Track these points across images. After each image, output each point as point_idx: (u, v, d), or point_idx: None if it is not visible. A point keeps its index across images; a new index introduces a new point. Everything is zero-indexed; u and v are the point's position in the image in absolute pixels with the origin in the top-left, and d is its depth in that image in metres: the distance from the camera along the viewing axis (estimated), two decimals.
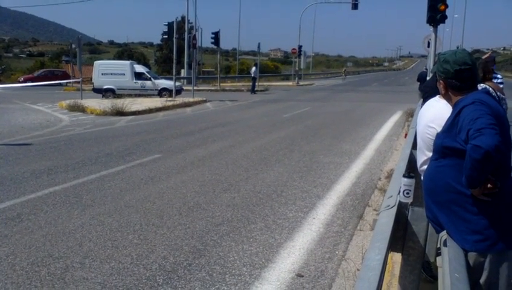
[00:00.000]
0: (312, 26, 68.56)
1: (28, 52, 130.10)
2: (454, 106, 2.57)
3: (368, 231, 5.27)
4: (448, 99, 2.67)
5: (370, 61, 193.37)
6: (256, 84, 33.75)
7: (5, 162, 8.77)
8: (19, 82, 38.81)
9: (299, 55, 48.57)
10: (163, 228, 5.34)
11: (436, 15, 15.05)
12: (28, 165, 8.50)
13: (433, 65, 7.97)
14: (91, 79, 27.03)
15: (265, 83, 41.82)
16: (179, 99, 23.11)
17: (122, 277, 4.10)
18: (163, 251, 4.66)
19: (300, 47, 48.45)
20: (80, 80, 23.87)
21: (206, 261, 4.46)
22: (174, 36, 26.16)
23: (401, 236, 3.27)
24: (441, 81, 2.65)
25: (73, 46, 28.55)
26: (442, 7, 14.55)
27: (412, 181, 3.27)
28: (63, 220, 5.57)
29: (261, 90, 34.11)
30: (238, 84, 41.89)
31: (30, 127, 14.13)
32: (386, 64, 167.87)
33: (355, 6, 44.29)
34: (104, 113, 17.52)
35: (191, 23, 42.17)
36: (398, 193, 3.53)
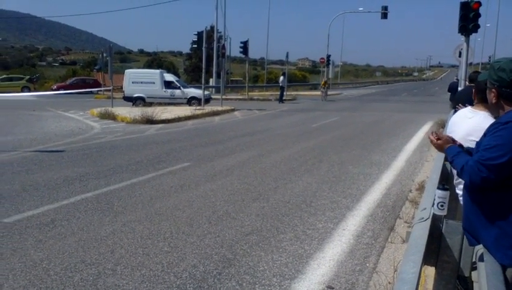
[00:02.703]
0: (340, 35, 68.39)
1: (60, 61, 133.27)
2: (502, 116, 2.49)
3: (399, 244, 5.20)
4: (499, 109, 2.57)
5: (399, 71, 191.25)
6: (285, 93, 33.78)
7: (39, 168, 8.97)
8: (52, 90, 39.70)
9: (328, 64, 48.45)
10: (193, 236, 5.37)
11: (468, 24, 14.86)
12: (61, 172, 8.67)
13: (467, 75, 7.83)
14: (121, 87, 27.48)
15: (293, 93, 41.84)
16: (208, 108, 23.31)
17: (153, 284, 4.14)
18: (194, 260, 4.69)
19: (328, 56, 48.37)
20: (110, 88, 24.29)
21: (236, 271, 4.46)
22: (204, 45, 26.43)
23: (434, 249, 3.21)
24: (493, 90, 2.54)
25: (104, 54, 29.03)
26: (476, 5, 14.35)
27: (447, 193, 3.21)
28: (94, 226, 5.65)
29: (289, 100, 34.14)
30: (266, 93, 42.03)
31: (63, 134, 14.43)
32: (415, 74, 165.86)
33: (384, 15, 44.05)
34: (134, 121, 17.78)
35: (220, 32, 42.48)
36: (432, 205, 3.47)
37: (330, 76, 51.24)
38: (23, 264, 4.49)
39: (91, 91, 36.45)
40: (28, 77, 46.13)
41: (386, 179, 8.59)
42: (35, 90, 41.41)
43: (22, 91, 40.33)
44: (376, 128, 17.04)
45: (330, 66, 49.76)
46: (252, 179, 8.33)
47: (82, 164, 9.51)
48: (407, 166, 9.84)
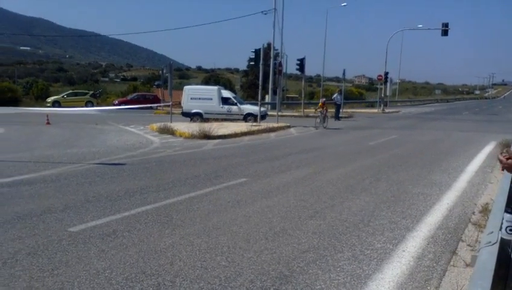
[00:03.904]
0: (399, 52, 67.41)
1: (122, 77, 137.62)
2: None
3: (461, 268, 5.01)
4: None
5: (460, 89, 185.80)
6: (341, 110, 33.54)
7: (101, 180, 9.29)
8: (114, 105, 41.16)
9: (385, 81, 47.74)
10: (250, 251, 5.39)
11: None
12: (122, 184, 8.94)
13: None
14: (180, 103, 28.13)
15: (349, 110, 41.46)
16: (264, 125, 23.44)
17: None
18: (251, 275, 4.70)
19: (386, 73, 47.66)
20: (170, 103, 24.90)
21: (292, 288, 4.43)
22: (261, 62, 26.72)
23: (502, 275, 3.09)
24: None
25: (164, 71, 29.93)
26: None
27: None
28: (154, 238, 5.78)
29: (345, 117, 33.84)
30: None
31: (124, 147, 14.89)
32: (477, 92, 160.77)
33: (445, 32, 42.98)
34: (192, 137, 18.12)
35: (277, 49, 42.86)
36: (500, 229, 3.35)
37: (388, 93, 50.45)
38: (87, 272, 4.65)
39: (151, 106, 37.52)
40: (92, 92, 48.16)
41: (447, 200, 8.32)
42: (98, 104, 43.09)
43: (86, 106, 42.15)
44: (436, 147, 16.59)
45: (388, 84, 48.99)
46: (308, 197, 8.29)
47: (142, 177, 9.78)
48: (470, 187, 9.50)
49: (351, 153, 14.61)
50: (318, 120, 25.12)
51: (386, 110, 46.00)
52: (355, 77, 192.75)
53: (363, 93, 77.58)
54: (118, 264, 4.89)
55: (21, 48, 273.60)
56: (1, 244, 5.38)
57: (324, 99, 27.91)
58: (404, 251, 5.59)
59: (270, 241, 5.79)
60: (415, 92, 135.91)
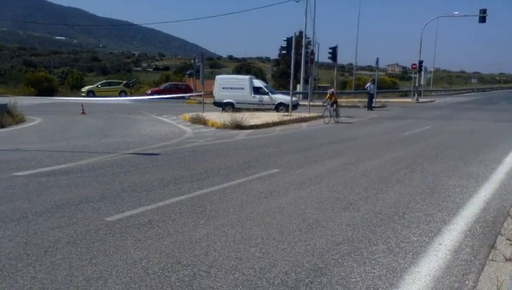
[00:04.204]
0: (433, 40, 65.95)
1: (154, 66, 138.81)
2: None
3: (501, 263, 4.90)
4: None
5: (497, 78, 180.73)
6: (374, 100, 33.11)
7: (136, 170, 9.43)
8: (147, 94, 41.66)
9: (419, 70, 46.86)
10: (283, 243, 5.40)
11: None
12: (157, 174, 9.06)
13: None
14: (211, 93, 28.25)
15: (382, 99, 40.96)
16: (295, 114, 23.38)
17: (246, 289, 4.20)
18: (285, 266, 4.71)
19: (421, 62, 46.76)
20: (202, 93, 25.03)
21: (327, 280, 4.42)
22: (292, 51, 26.55)
23: None
24: None
25: (196, 60, 30.04)
26: None
27: None
28: (189, 228, 5.85)
29: (378, 107, 33.43)
30: (354, 100, 41.44)
31: (157, 137, 15.08)
32: None
33: (482, 19, 41.82)
34: (224, 127, 18.22)
35: (309, 38, 42.49)
36: None
37: (422, 82, 49.56)
38: (124, 262, 4.73)
39: (183, 96, 37.85)
40: (125, 81, 48.83)
41: (485, 192, 8.14)
42: (132, 94, 43.71)
43: (120, 95, 42.84)
44: (472, 138, 16.24)
45: (422, 73, 48.09)
46: (341, 188, 8.23)
47: (176, 167, 9.89)
48: (508, 179, 9.27)
49: (385, 143, 14.44)
50: (327, 113, 22.30)
51: (420, 100, 45.23)
52: (389, 65, 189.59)
53: (396, 82, 76.45)
54: (154, 254, 4.96)
55: (56, 37, 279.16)
56: (42, 233, 5.54)
57: (332, 90, 25.06)
58: (440, 244, 5.50)
59: (304, 232, 5.78)
60: (450, 81, 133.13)
